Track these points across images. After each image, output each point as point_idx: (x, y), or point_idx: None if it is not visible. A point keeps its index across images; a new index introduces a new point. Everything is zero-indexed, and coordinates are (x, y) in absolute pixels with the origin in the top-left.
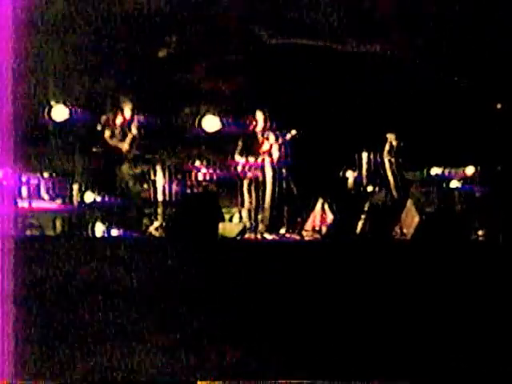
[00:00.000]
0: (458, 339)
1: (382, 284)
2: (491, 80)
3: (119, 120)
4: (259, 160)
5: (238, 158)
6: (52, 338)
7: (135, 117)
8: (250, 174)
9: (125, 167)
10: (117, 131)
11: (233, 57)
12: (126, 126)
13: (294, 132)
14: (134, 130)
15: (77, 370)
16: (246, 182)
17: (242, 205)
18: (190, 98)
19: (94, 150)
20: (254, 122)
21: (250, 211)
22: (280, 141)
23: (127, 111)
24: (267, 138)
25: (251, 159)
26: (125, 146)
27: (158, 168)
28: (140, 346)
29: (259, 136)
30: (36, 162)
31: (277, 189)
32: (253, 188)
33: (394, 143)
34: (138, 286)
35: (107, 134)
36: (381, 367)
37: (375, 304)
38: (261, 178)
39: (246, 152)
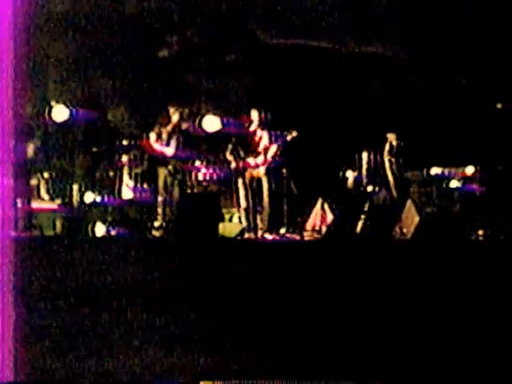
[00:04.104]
0: (457, 339)
1: (381, 284)
2: (491, 80)
3: (167, 125)
4: (253, 160)
5: (229, 157)
6: (52, 339)
7: (181, 122)
8: (244, 174)
9: (166, 170)
10: (163, 136)
11: (232, 56)
12: (173, 131)
13: (294, 133)
14: (180, 135)
15: (77, 371)
16: (240, 182)
17: (239, 205)
18: (190, 97)
19: (94, 149)
20: (250, 121)
21: (247, 211)
22: (277, 141)
23: (175, 117)
24: (262, 138)
25: (244, 159)
26: (170, 151)
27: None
28: (140, 346)
29: (254, 135)
30: (36, 162)
31: (273, 188)
32: (248, 188)
33: (394, 143)
34: (138, 286)
35: (153, 138)
36: (380, 367)
37: (375, 304)
38: (256, 178)
39: (237, 151)
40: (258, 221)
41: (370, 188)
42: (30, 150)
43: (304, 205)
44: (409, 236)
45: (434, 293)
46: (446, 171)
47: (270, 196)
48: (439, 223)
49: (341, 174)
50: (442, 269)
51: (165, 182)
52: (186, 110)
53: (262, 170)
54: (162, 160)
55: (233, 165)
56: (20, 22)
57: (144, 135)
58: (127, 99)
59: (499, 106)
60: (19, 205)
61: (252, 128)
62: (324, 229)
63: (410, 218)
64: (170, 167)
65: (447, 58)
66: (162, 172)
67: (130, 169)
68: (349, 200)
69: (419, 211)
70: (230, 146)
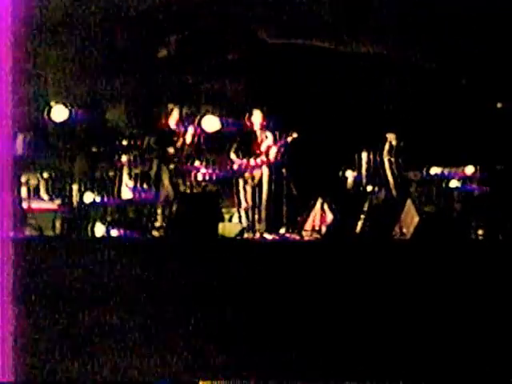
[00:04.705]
0: (457, 339)
1: (381, 284)
2: (491, 80)
3: (167, 125)
4: (255, 160)
5: (233, 156)
6: (52, 339)
7: (182, 122)
8: (246, 174)
9: (166, 170)
10: (164, 136)
11: (233, 57)
12: (174, 131)
13: (295, 135)
14: (189, 133)
15: (76, 371)
16: (241, 182)
17: (239, 205)
18: (190, 98)
19: (94, 149)
20: (252, 122)
21: (246, 211)
22: (279, 141)
23: (175, 116)
24: (265, 138)
25: (247, 159)
26: (171, 150)
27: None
28: (140, 346)
29: (257, 135)
30: (35, 162)
31: (273, 188)
32: (249, 188)
33: (394, 143)
34: (138, 286)
35: (152, 139)
36: (380, 367)
37: (375, 304)
38: (257, 178)
39: (241, 151)
40: (256, 221)
41: (369, 188)
42: (29, 149)
43: (304, 205)
44: (408, 236)
45: (433, 292)
46: (446, 171)
47: (268, 197)
48: (439, 223)
49: (340, 174)
50: (441, 269)
51: (164, 182)
52: (185, 109)
53: (262, 170)
54: (162, 160)
55: (235, 165)
56: (20, 22)
57: (163, 114)
58: (127, 99)
59: (499, 105)
60: (18, 205)
61: (253, 128)
62: (324, 229)
63: (410, 218)
64: (170, 167)
65: (447, 57)
66: (162, 172)
67: (130, 169)
68: (348, 200)
69: (419, 211)
70: (234, 146)
